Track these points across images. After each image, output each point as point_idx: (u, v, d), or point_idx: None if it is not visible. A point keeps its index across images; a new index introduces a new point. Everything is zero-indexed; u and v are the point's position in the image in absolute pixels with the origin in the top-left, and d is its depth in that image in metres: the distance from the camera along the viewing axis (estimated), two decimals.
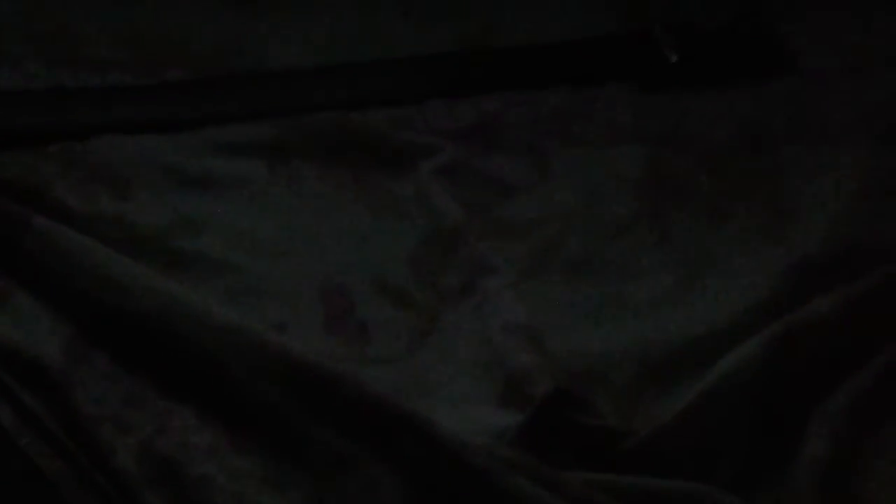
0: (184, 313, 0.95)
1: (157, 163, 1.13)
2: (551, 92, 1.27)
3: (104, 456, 0.88)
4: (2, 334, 0.94)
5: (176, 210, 1.09)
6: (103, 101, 1.18)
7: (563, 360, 0.99)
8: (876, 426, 0.95)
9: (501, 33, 1.31)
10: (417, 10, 1.31)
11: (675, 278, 1.09)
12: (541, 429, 0.91)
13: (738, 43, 1.32)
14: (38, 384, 0.92)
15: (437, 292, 1.06)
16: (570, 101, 1.26)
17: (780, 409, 0.95)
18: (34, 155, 1.10)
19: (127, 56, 1.22)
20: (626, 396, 0.98)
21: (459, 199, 1.13)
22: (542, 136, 1.23)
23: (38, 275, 0.98)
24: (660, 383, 0.99)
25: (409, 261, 1.08)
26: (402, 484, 0.86)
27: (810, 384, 0.96)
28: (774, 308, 1.03)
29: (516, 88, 1.27)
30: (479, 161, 1.19)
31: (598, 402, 0.95)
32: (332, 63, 1.26)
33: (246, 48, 1.25)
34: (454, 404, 0.95)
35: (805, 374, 0.97)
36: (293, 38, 1.27)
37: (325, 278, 1.05)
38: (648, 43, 1.30)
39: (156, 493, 0.86)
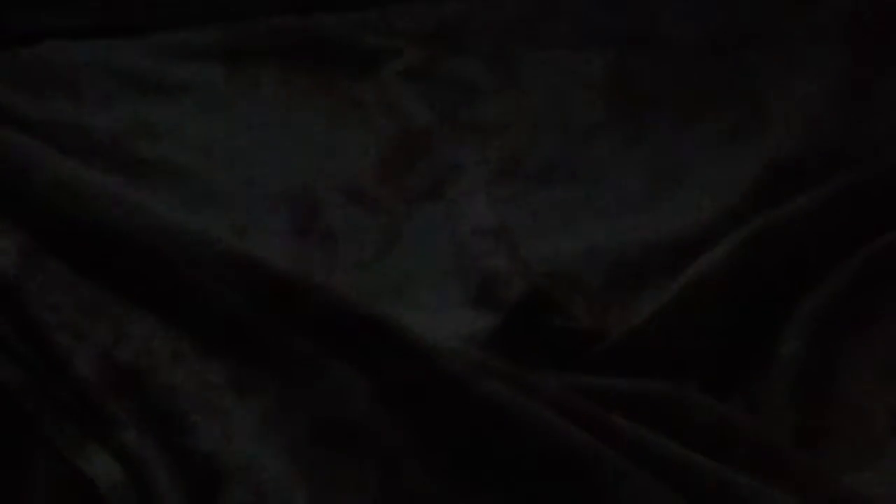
0: (143, 220, 0.91)
1: (111, 68, 1.09)
2: None
3: (62, 364, 0.85)
4: None
5: (133, 115, 1.06)
6: (50, 5, 1.13)
7: (535, 263, 0.97)
8: (853, 326, 0.93)
9: None
10: None
11: (646, 182, 1.07)
12: (514, 331, 0.90)
13: None
14: None
15: (406, 196, 1.03)
16: (536, 3, 1.23)
17: (756, 309, 0.93)
18: None
19: None
20: (599, 298, 0.96)
21: (425, 103, 1.11)
22: (507, 39, 1.20)
23: None
24: (634, 285, 0.97)
25: (376, 165, 1.06)
26: (372, 389, 0.84)
27: (786, 284, 0.95)
28: (748, 210, 1.01)
29: None
30: (444, 64, 1.16)
31: (572, 304, 0.94)
32: None
33: None
34: (425, 309, 0.94)
35: (780, 274, 0.95)
36: None
37: (289, 184, 1.03)
38: None
39: (117, 402, 0.83)
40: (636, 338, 0.90)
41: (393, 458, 0.82)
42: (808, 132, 1.09)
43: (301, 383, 0.85)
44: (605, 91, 1.15)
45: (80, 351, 0.86)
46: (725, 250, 0.95)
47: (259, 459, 0.81)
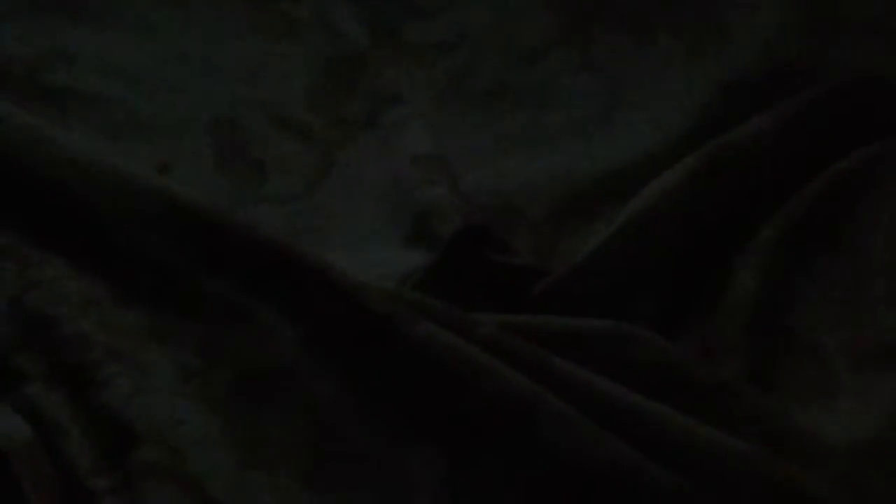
0: (55, 154, 0.85)
1: None
2: None
3: None
4: None
5: (46, 41, 0.99)
6: None
7: (475, 194, 0.92)
8: (809, 255, 0.89)
9: None
10: None
11: (597, 104, 1.02)
12: (451, 269, 0.85)
13: None
14: None
15: (339, 124, 0.98)
16: None
17: (707, 240, 0.89)
18: None
19: None
20: (544, 232, 0.92)
21: (362, 22, 1.05)
22: None
23: None
24: (581, 217, 0.93)
25: (308, 90, 1.00)
26: (299, 333, 0.79)
27: (740, 211, 0.90)
28: (705, 132, 0.96)
29: None
30: None
31: (514, 238, 0.90)
32: None
33: None
34: (357, 245, 0.90)
35: (733, 202, 0.90)
36: None
37: (214, 112, 0.97)
38: None
39: (25, 353, 0.78)
40: (581, 274, 0.85)
41: (325, 408, 0.77)
42: (767, 51, 1.04)
43: (223, 330, 0.80)
44: (555, 7, 1.09)
45: None
46: (676, 176, 0.91)
47: (178, 414, 0.76)
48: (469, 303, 0.82)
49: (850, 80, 0.99)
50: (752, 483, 0.74)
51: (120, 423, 0.75)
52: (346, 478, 0.75)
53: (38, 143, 0.86)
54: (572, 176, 0.95)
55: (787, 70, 1.02)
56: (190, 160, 0.94)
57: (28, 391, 0.77)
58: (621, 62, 1.05)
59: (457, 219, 0.88)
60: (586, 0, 1.10)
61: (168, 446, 0.74)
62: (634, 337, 0.80)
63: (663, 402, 0.76)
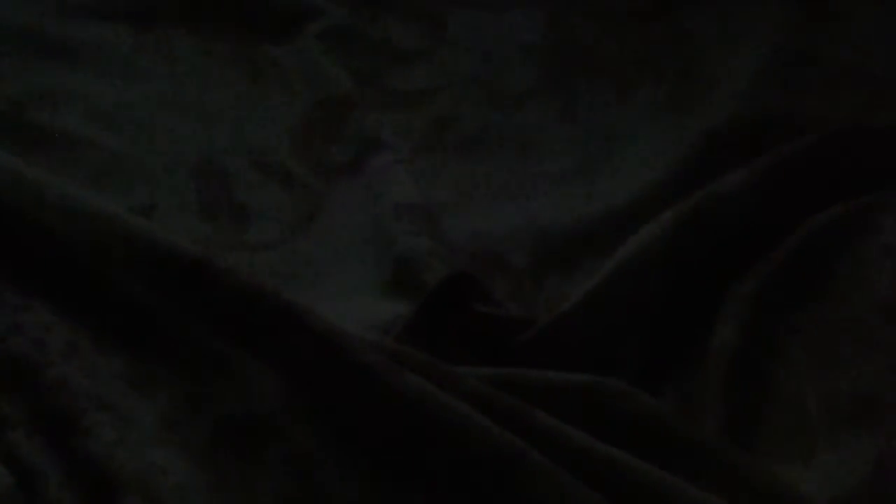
0: (38, 197, 0.85)
1: (9, 28, 1.03)
2: None
3: None
4: None
5: (30, 82, 1.00)
6: None
7: (458, 242, 0.93)
8: (787, 309, 0.90)
9: None
10: None
11: (578, 153, 1.03)
12: (433, 319, 0.85)
13: None
14: None
15: (323, 170, 0.99)
16: None
17: (689, 292, 0.89)
18: None
19: None
20: (525, 281, 0.92)
21: (347, 67, 1.06)
22: None
23: None
24: (562, 266, 0.93)
25: (292, 136, 1.01)
26: (281, 383, 0.79)
27: (720, 264, 0.91)
28: (685, 183, 0.97)
29: None
30: (369, 25, 1.11)
31: (496, 287, 0.90)
32: None
33: None
34: (339, 293, 0.90)
35: (713, 255, 0.91)
36: None
37: (198, 156, 0.98)
38: None
39: (7, 397, 0.77)
40: (564, 325, 0.86)
41: (306, 459, 0.77)
42: (747, 101, 1.05)
43: (206, 378, 0.80)
44: (539, 55, 1.11)
45: None
46: (657, 228, 0.91)
47: (159, 464, 0.75)
48: (452, 351, 0.83)
49: (831, 131, 1.00)
50: None
51: (103, 472, 0.74)
52: None
53: (21, 186, 0.85)
54: (554, 224, 0.96)
55: (768, 119, 1.04)
56: (173, 204, 0.94)
57: (9, 437, 0.76)
58: (602, 112, 1.06)
59: (439, 268, 0.88)
60: (568, 50, 1.12)
61: (152, 496, 0.74)
62: (617, 391, 0.80)
63: (646, 457, 0.76)
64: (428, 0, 1.14)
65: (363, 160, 0.98)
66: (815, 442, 0.83)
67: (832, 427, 0.83)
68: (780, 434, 0.83)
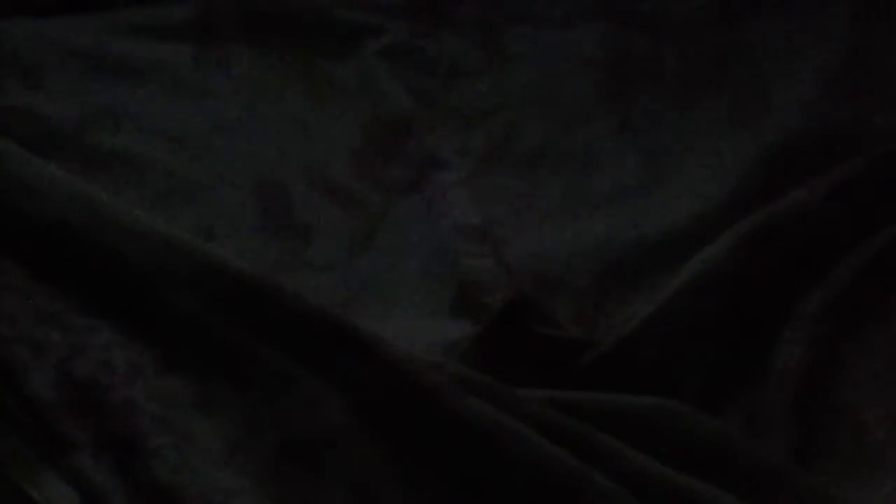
0: (104, 220, 0.86)
1: (70, 48, 1.03)
2: None
3: (16, 381, 0.80)
4: None
5: (92, 101, 1.00)
6: None
7: (519, 264, 0.92)
8: (855, 327, 0.89)
9: None
10: None
11: (639, 169, 1.02)
12: (496, 341, 0.85)
13: None
14: None
15: (383, 189, 0.98)
16: None
17: (753, 312, 0.89)
18: None
19: None
20: (587, 301, 0.91)
21: (406, 85, 1.06)
22: (494, 14, 1.14)
23: None
24: (624, 286, 0.93)
25: (352, 154, 1.00)
26: (345, 404, 0.79)
27: (785, 284, 0.90)
28: (747, 200, 0.96)
29: None
30: (427, 42, 1.11)
31: (558, 308, 0.89)
32: None
33: None
34: (402, 314, 0.89)
35: (780, 273, 0.90)
36: None
37: (259, 176, 0.98)
38: None
39: (73, 420, 0.78)
40: (627, 347, 0.85)
41: (368, 479, 0.78)
42: (809, 118, 1.04)
43: (269, 399, 0.80)
44: (598, 71, 1.10)
45: (37, 366, 0.80)
46: (722, 247, 0.90)
47: (223, 485, 0.76)
48: (514, 376, 0.82)
49: (892, 148, 0.99)
50: None
51: (168, 493, 0.75)
52: None
53: (87, 208, 0.86)
54: (614, 244, 0.95)
55: (830, 134, 1.03)
56: (234, 225, 0.94)
57: (76, 460, 0.77)
58: (662, 127, 1.05)
59: (501, 290, 0.87)
60: (626, 64, 1.11)
61: None
62: (681, 414, 0.80)
63: (709, 480, 0.76)
64: (486, 16, 1.14)
65: (423, 179, 0.98)
66: (879, 463, 0.82)
67: None
68: (844, 454, 0.82)
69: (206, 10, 1.08)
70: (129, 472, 0.76)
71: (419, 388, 0.78)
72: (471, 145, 1.02)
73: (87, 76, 1.02)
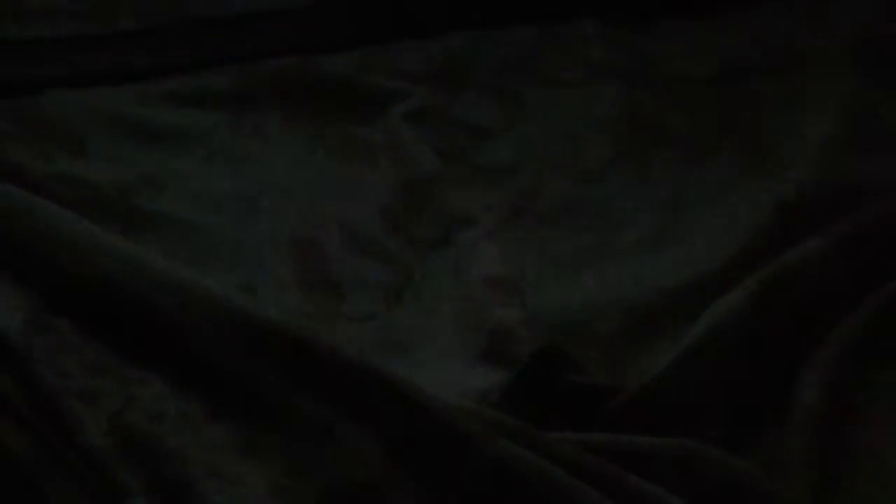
0: (148, 277, 0.90)
1: (113, 117, 1.08)
2: (521, 28, 1.23)
3: (72, 431, 0.83)
4: None
5: (135, 167, 1.05)
6: (53, 53, 1.12)
7: (545, 313, 0.95)
8: (871, 371, 0.92)
9: None
10: None
11: (657, 222, 1.06)
12: (527, 388, 0.88)
13: None
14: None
15: (413, 245, 1.02)
16: (541, 38, 1.23)
17: (771, 358, 0.92)
18: None
19: (76, 5, 1.16)
20: (612, 349, 0.94)
21: (432, 146, 1.10)
22: (513, 76, 1.19)
23: None
24: (647, 333, 0.96)
25: (382, 212, 1.05)
26: (384, 450, 0.82)
27: (802, 331, 0.93)
28: (762, 250, 0.99)
29: (484, 26, 1.23)
30: (450, 104, 1.16)
31: (585, 356, 0.92)
32: (291, 5, 1.20)
33: None
34: (435, 363, 0.92)
35: (796, 320, 0.93)
36: None
37: (294, 234, 1.02)
38: None
39: (127, 468, 0.82)
40: (651, 393, 0.88)
41: None
42: (822, 167, 1.08)
43: (312, 446, 0.83)
44: (614, 128, 1.14)
45: (91, 416, 0.84)
46: (739, 296, 0.93)
47: None
48: (545, 422, 0.85)
49: None
50: None
51: None
52: None
53: (133, 266, 0.90)
54: (636, 293, 0.98)
55: (840, 186, 1.06)
56: (272, 281, 0.98)
57: None
58: (677, 181, 1.09)
59: (530, 339, 0.91)
60: (641, 122, 1.15)
61: None
62: (706, 455, 0.83)
63: None
64: (505, 79, 1.19)
65: (452, 235, 1.02)
66: None
67: None
68: (866, 499, 0.84)
69: (240, 80, 1.12)
70: None
71: (456, 434, 0.81)
72: (495, 201, 1.06)
73: (129, 144, 1.07)
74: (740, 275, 0.96)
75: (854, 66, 1.20)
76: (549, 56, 1.21)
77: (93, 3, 1.17)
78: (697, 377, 0.89)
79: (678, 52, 1.23)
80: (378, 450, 0.82)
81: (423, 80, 1.16)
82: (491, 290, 0.96)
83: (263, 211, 1.03)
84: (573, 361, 0.90)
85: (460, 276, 0.99)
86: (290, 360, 0.86)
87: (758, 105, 1.17)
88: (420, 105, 1.14)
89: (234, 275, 0.97)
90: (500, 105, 1.16)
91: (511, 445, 0.81)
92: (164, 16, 1.17)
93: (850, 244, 0.97)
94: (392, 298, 0.98)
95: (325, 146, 1.09)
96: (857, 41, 1.23)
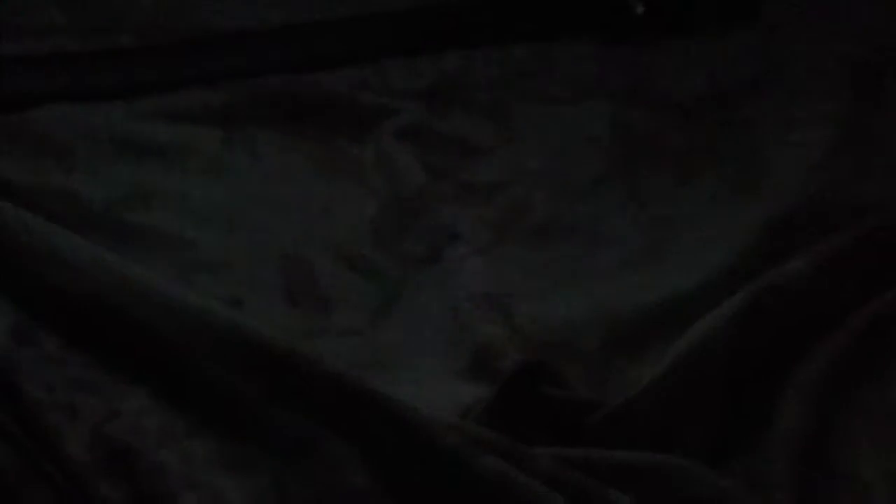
0: (135, 292, 0.90)
1: (104, 133, 1.08)
2: (513, 47, 1.24)
3: (54, 444, 0.84)
4: None
5: (125, 182, 1.05)
6: (45, 69, 1.13)
7: (530, 330, 0.96)
8: (852, 389, 0.92)
9: None
10: None
11: (645, 240, 1.06)
12: (510, 403, 0.88)
13: None
14: None
15: (401, 261, 1.03)
16: (533, 57, 1.23)
17: (754, 375, 0.92)
18: None
19: (68, 22, 1.17)
20: (595, 365, 0.95)
21: (422, 163, 1.10)
22: (504, 94, 1.20)
23: None
24: (630, 350, 0.96)
25: (371, 228, 1.05)
26: (367, 465, 0.82)
27: (784, 349, 0.93)
28: (748, 269, 1.00)
29: (476, 44, 1.23)
30: (441, 122, 1.16)
31: (568, 371, 0.92)
32: (283, 23, 1.21)
33: (191, 9, 1.20)
34: (420, 379, 0.92)
35: (778, 338, 0.93)
36: None
37: (283, 249, 1.02)
38: None
39: (108, 482, 0.82)
40: (633, 408, 0.88)
41: None
42: (809, 186, 1.08)
43: (295, 459, 0.84)
44: (604, 146, 1.15)
45: (72, 430, 0.84)
46: (723, 314, 0.93)
47: None
48: (527, 436, 0.86)
49: (887, 218, 1.02)
50: None
51: None
52: None
53: (119, 281, 0.90)
54: (621, 310, 0.99)
55: (827, 205, 1.06)
56: (260, 296, 0.98)
57: None
58: (666, 200, 1.10)
59: (513, 355, 0.91)
60: (630, 141, 1.16)
61: None
62: (687, 471, 0.83)
63: None
64: (495, 97, 1.19)
65: (439, 251, 1.02)
66: None
67: None
68: None
69: (231, 97, 1.13)
70: None
71: (440, 448, 0.81)
72: (483, 218, 1.06)
73: (121, 159, 1.07)
74: (724, 292, 0.96)
75: (845, 86, 1.20)
76: (541, 74, 1.21)
77: (84, 19, 1.17)
78: (679, 394, 0.89)
79: (670, 71, 1.23)
80: (362, 464, 0.83)
81: (415, 98, 1.17)
82: (477, 307, 0.97)
83: (252, 227, 1.04)
84: (556, 376, 0.90)
85: (447, 292, 0.99)
86: (275, 374, 0.86)
87: (748, 124, 1.17)
88: (411, 122, 1.14)
89: (221, 289, 0.97)
90: (490, 123, 1.16)
91: (494, 460, 0.81)
92: (164, 33, 1.18)
93: (834, 263, 0.97)
94: (378, 314, 0.99)
95: (314, 162, 1.10)
96: (848, 61, 1.23)
